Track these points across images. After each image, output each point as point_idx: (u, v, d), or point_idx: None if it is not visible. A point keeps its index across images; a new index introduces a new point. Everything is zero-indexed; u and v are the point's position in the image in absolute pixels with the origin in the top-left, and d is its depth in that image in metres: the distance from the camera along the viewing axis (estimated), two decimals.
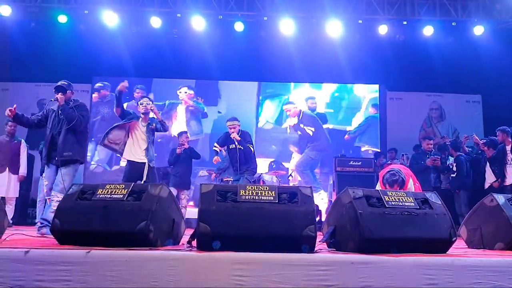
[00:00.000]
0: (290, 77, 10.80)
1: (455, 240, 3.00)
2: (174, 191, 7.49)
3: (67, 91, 5.07)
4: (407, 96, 10.88)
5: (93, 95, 10.98)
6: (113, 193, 2.96)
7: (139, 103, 6.06)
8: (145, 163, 5.77)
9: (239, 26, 9.58)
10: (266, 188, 2.90)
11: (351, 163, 7.91)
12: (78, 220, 2.88)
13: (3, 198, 6.92)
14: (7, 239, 3.30)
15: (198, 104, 11.05)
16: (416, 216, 2.94)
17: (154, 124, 5.95)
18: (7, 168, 7.17)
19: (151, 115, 6.08)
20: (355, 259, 2.49)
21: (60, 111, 4.93)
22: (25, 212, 9.12)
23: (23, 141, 7.54)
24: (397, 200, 3.00)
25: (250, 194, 2.84)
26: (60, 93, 4.99)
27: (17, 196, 7.42)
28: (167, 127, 6.18)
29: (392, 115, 10.67)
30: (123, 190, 2.96)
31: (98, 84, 11.01)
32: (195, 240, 2.78)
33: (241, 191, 2.85)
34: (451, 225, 3.00)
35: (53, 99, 5.09)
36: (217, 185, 2.93)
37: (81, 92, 10.69)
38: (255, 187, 2.91)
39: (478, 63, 9.80)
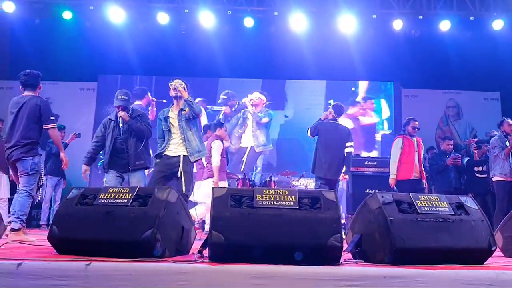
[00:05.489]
0: (302, 74, 10.44)
1: (495, 250, 2.72)
2: None
3: (128, 106, 4.92)
4: (423, 93, 10.49)
5: (224, 108, 10.46)
6: (116, 197, 2.71)
7: (169, 84, 4.80)
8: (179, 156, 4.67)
9: (248, 22, 9.31)
10: (285, 192, 2.62)
11: (366, 163, 7.59)
12: (78, 227, 2.64)
13: None
14: (2, 247, 3.04)
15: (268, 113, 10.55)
16: (452, 223, 2.68)
17: (187, 109, 4.68)
18: None
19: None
20: (388, 272, 2.24)
21: (127, 126, 4.80)
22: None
23: None
24: (430, 205, 2.75)
25: (268, 198, 2.58)
26: (121, 110, 4.81)
27: (9, 196, 7.08)
28: (197, 109, 4.67)
29: (407, 113, 10.29)
30: (127, 194, 2.71)
31: (222, 96, 10.48)
32: (207, 249, 2.52)
33: (258, 195, 2.59)
34: (490, 232, 2.72)
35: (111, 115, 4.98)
36: (231, 189, 2.66)
37: (87, 90, 10.47)
38: (273, 191, 2.63)
39: (497, 59, 9.49)
